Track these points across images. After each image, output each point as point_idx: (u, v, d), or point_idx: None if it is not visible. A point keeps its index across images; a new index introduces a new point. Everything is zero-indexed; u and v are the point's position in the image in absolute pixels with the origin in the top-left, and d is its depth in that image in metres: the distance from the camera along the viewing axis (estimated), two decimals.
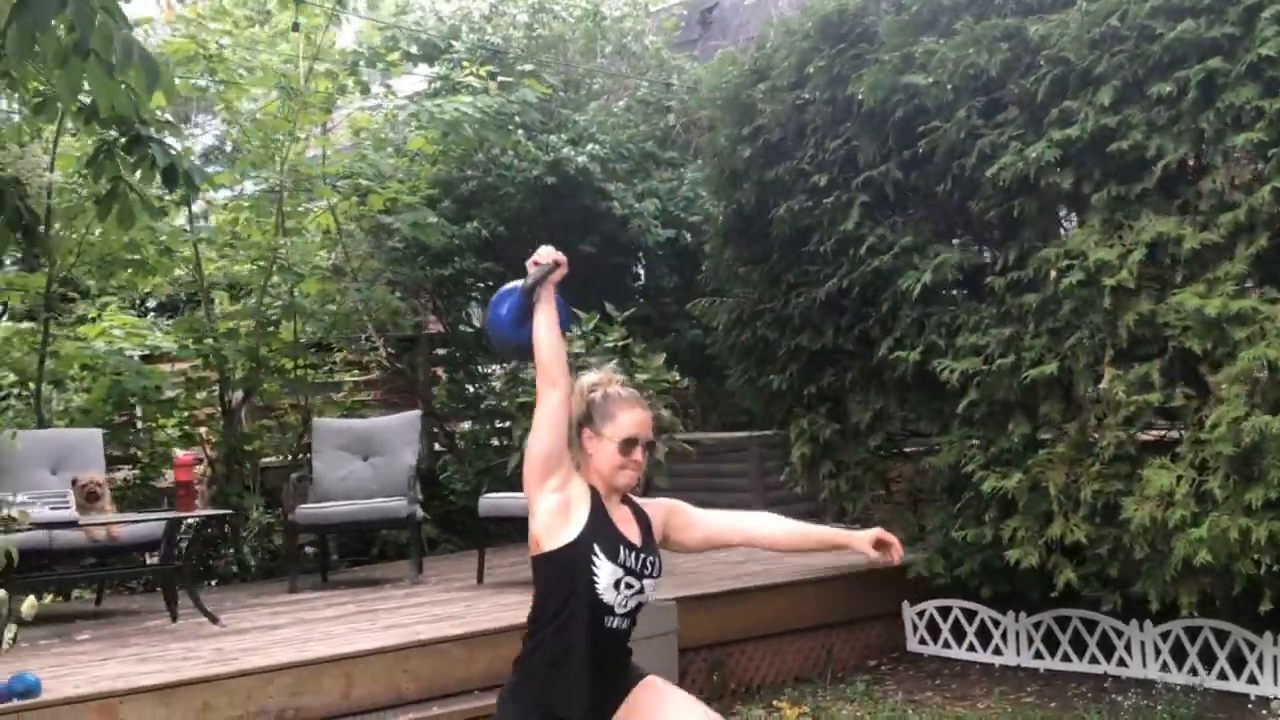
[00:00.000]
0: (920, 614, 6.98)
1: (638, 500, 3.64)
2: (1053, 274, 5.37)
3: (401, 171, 9.67)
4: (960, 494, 5.94)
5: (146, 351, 9.78)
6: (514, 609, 6.05)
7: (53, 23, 5.13)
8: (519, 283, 3.46)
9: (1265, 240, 4.98)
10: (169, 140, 7.52)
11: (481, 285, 10.13)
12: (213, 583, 8.59)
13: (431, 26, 10.36)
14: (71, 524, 6.40)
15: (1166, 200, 5.22)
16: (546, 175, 9.48)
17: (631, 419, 3.47)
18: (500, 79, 9.41)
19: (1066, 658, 6.38)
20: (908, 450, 6.32)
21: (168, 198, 8.70)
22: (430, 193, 9.65)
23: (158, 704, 4.93)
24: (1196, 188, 5.11)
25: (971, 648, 6.74)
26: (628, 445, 3.40)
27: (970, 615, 6.72)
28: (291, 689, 5.22)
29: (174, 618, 6.71)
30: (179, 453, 8.00)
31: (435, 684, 5.54)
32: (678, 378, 6.51)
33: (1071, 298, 5.34)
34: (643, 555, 3.46)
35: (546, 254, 3.47)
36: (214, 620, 6.46)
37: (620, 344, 6.16)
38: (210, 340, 9.15)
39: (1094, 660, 6.28)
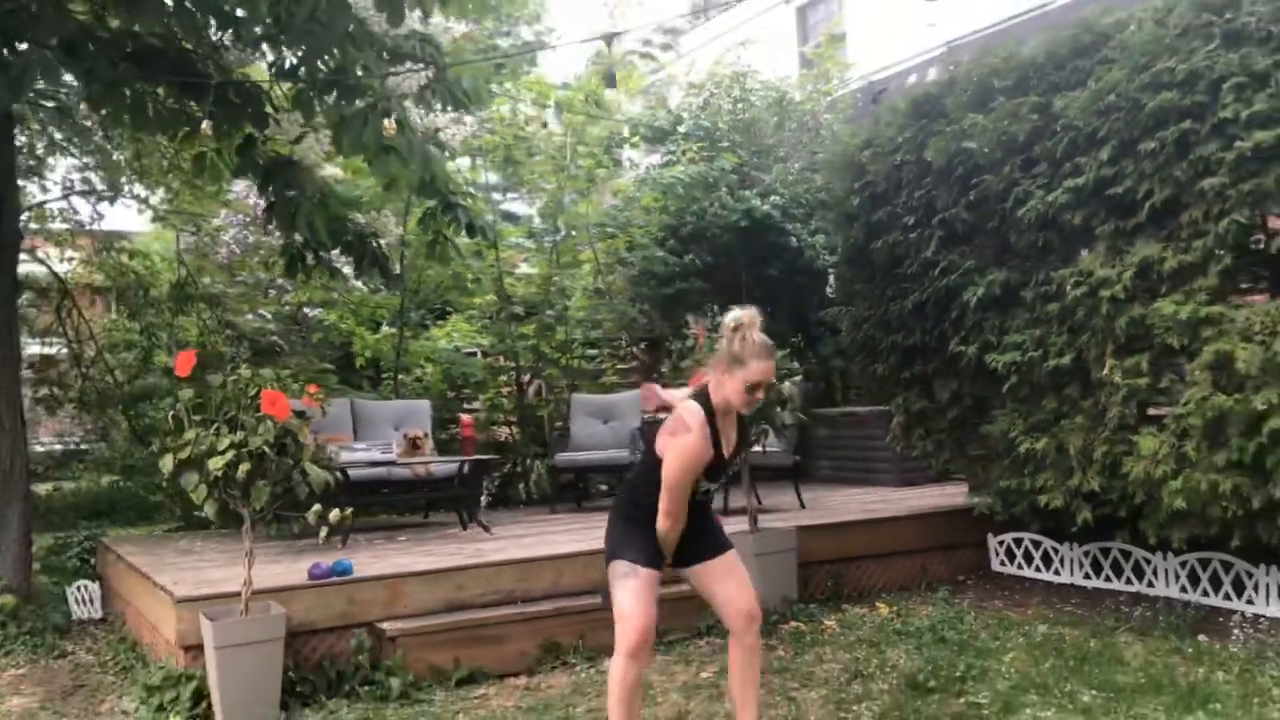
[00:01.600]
0: (1000, 542, 6.94)
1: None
2: (1068, 288, 5.32)
3: (640, 220, 10.13)
4: (1009, 454, 5.93)
5: (473, 349, 10.63)
6: None
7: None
8: None
9: (1230, 260, 4.83)
10: (469, 205, 8.26)
11: (696, 301, 10.44)
12: (513, 506, 9.06)
13: (662, 116, 10.77)
14: (389, 463, 7.14)
15: (1157, 230, 5.06)
16: (742, 220, 9.73)
17: (759, 368, 3.52)
18: (707, 154, 9.75)
19: (1108, 578, 6.25)
20: (975, 421, 6.31)
21: (479, 245, 9.47)
22: (660, 234, 10.10)
23: (426, 584, 5.41)
24: (1178, 220, 4.96)
25: (1037, 569, 6.67)
26: (752, 388, 3.52)
27: (1036, 544, 6.65)
28: (519, 577, 5.67)
29: (464, 527, 7.35)
30: (463, 416, 8.66)
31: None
32: (795, 365, 6.67)
33: (1082, 306, 5.28)
34: (734, 458, 3.73)
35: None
36: (486, 530, 7.05)
37: None
38: (509, 340, 9.89)
39: (1129, 581, 6.14)
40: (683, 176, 9.17)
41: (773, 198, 9.68)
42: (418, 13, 6.18)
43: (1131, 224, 5.12)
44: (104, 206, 10.00)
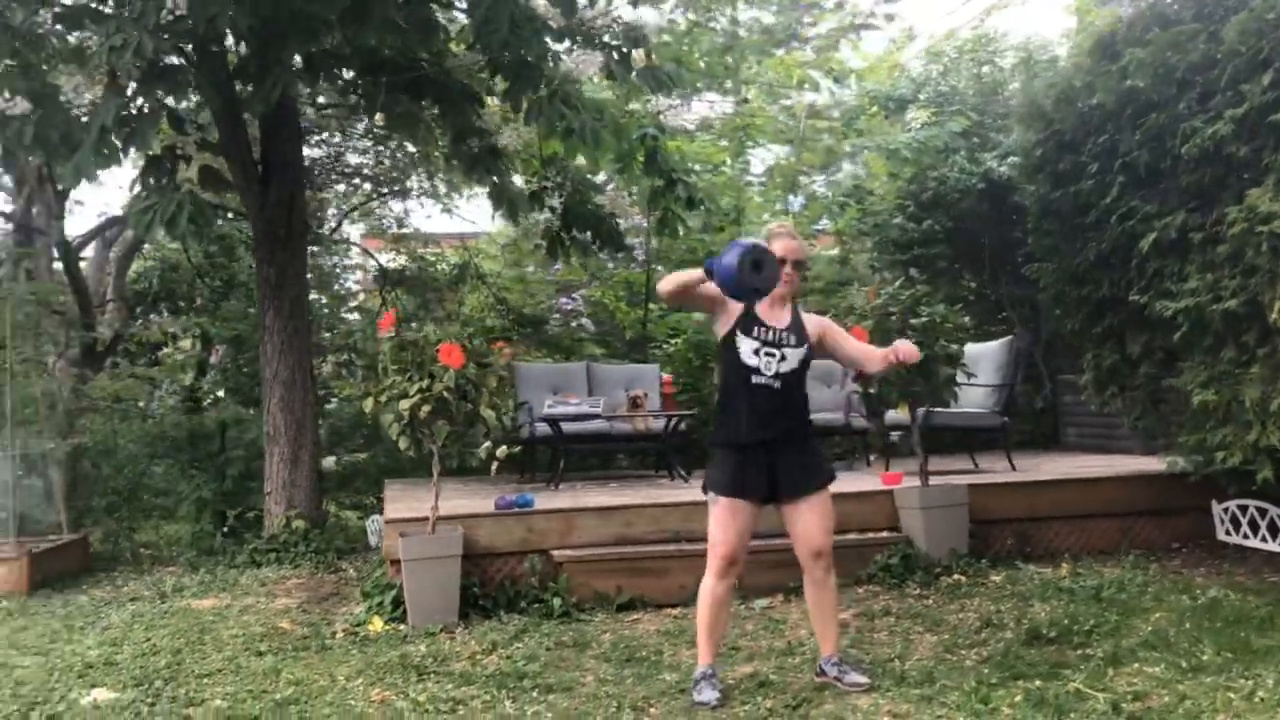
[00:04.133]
0: (1225, 510, 6.32)
1: (804, 313, 4.09)
2: (1233, 227, 4.83)
3: (878, 189, 10.04)
4: (1189, 408, 5.45)
5: None
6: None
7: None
8: (746, 255, 3.60)
9: None
10: (691, 182, 8.65)
11: (932, 267, 10.16)
12: None
13: (904, 85, 10.55)
14: (593, 416, 7.67)
15: None
16: (979, 183, 9.39)
17: (780, 245, 3.90)
18: (940, 119, 9.47)
19: None
20: (1167, 375, 5.81)
21: (721, 222, 9.84)
22: (900, 202, 9.94)
23: (598, 519, 5.88)
24: None
25: (1264, 539, 6.03)
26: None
27: (1262, 512, 6.02)
28: (683, 518, 5.98)
29: (671, 478, 7.78)
30: (664, 375, 8.99)
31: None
32: (965, 321, 6.43)
33: (1250, 245, 4.76)
34: (781, 333, 3.92)
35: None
36: (681, 478, 7.44)
37: (918, 295, 6.24)
38: None
39: None
40: (910, 142, 8.99)
41: (1010, 159, 9.23)
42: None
43: None
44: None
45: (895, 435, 8.30)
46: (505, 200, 6.87)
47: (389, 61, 6.74)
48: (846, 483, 6.88)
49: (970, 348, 8.10)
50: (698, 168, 9.69)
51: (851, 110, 10.28)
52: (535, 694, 4.21)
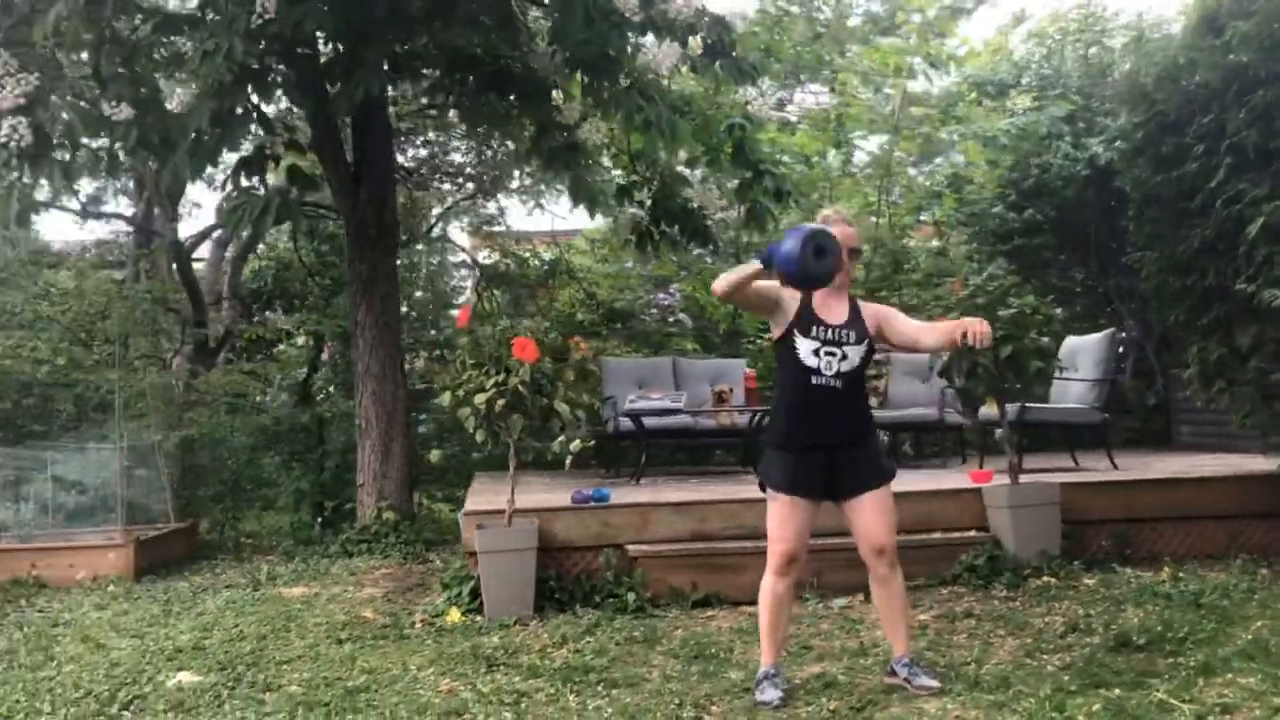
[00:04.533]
0: None
1: (860, 302, 3.94)
2: None
3: (980, 177, 9.71)
4: None
5: None
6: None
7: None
8: (808, 239, 3.50)
9: None
10: (779, 174, 8.51)
11: (1034, 258, 9.77)
12: None
13: (1004, 69, 10.18)
14: (678, 412, 7.60)
15: None
16: (1085, 170, 9.00)
17: (835, 232, 3.67)
18: (1041, 103, 9.10)
19: None
20: (1271, 370, 5.45)
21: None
22: (1000, 190, 9.60)
23: (674, 514, 5.82)
24: None
25: None
26: None
27: None
28: (760, 515, 5.78)
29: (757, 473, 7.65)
30: (746, 370, 8.85)
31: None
32: (1058, 312, 6.13)
33: None
34: (840, 330, 3.78)
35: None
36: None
37: (1007, 285, 6.00)
38: None
39: None
40: (1009, 128, 8.66)
41: (1117, 142, 8.80)
42: None
43: None
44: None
45: (998, 432, 8.02)
46: (584, 194, 6.87)
47: (473, 59, 6.81)
48: (934, 480, 6.70)
49: (1070, 341, 7.79)
50: (787, 158, 9.53)
51: (950, 97, 9.96)
52: (600, 688, 4.19)
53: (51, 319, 10.25)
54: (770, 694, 3.85)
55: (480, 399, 5.48)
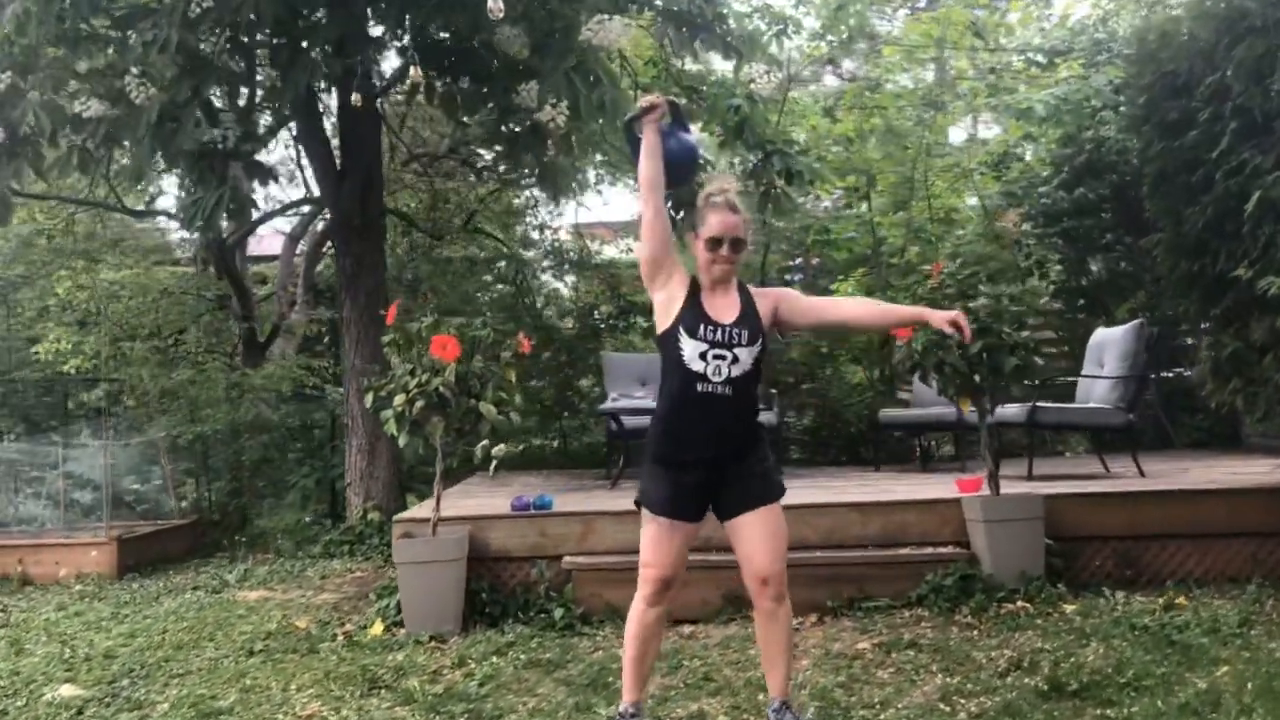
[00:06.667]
0: None
1: (752, 289, 3.47)
2: None
3: (1029, 154, 8.95)
4: None
5: None
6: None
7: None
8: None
9: None
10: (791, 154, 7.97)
11: (1089, 241, 8.95)
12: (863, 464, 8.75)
13: (1056, 36, 9.33)
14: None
15: None
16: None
17: (717, 220, 3.27)
18: (1088, 69, 8.27)
19: None
20: None
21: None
22: (1049, 168, 8.82)
23: (616, 524, 5.37)
24: None
25: None
26: (713, 244, 3.26)
27: None
28: (711, 526, 5.49)
29: None
30: None
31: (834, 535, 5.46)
32: (1056, 305, 5.47)
33: None
34: (731, 330, 3.31)
35: (644, 100, 3.34)
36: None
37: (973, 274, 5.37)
38: (879, 294, 9.33)
39: None
40: (1046, 99, 7.89)
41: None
42: None
43: None
44: None
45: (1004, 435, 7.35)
46: (550, 180, 6.52)
47: (439, 43, 6.54)
48: (914, 489, 6.12)
49: (1099, 333, 7.08)
50: (829, 143, 8.93)
51: (990, 66, 9.18)
52: None
53: (103, 315, 10.44)
54: None
55: (399, 401, 5.20)
